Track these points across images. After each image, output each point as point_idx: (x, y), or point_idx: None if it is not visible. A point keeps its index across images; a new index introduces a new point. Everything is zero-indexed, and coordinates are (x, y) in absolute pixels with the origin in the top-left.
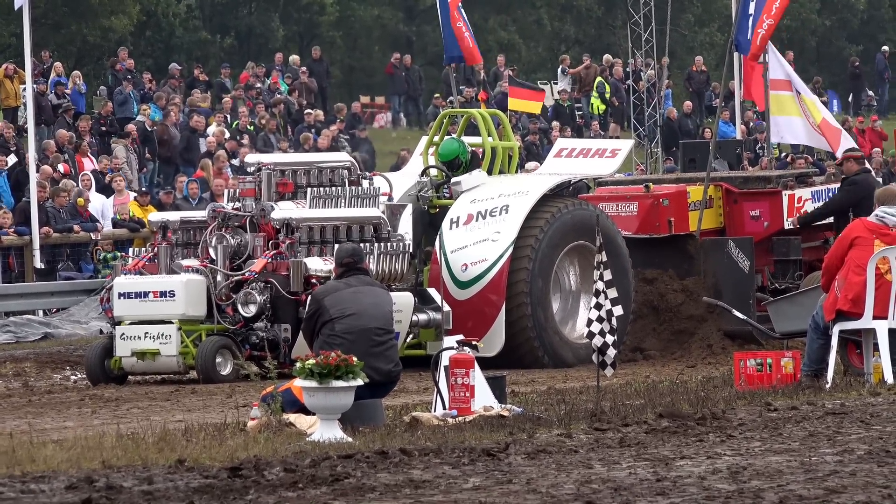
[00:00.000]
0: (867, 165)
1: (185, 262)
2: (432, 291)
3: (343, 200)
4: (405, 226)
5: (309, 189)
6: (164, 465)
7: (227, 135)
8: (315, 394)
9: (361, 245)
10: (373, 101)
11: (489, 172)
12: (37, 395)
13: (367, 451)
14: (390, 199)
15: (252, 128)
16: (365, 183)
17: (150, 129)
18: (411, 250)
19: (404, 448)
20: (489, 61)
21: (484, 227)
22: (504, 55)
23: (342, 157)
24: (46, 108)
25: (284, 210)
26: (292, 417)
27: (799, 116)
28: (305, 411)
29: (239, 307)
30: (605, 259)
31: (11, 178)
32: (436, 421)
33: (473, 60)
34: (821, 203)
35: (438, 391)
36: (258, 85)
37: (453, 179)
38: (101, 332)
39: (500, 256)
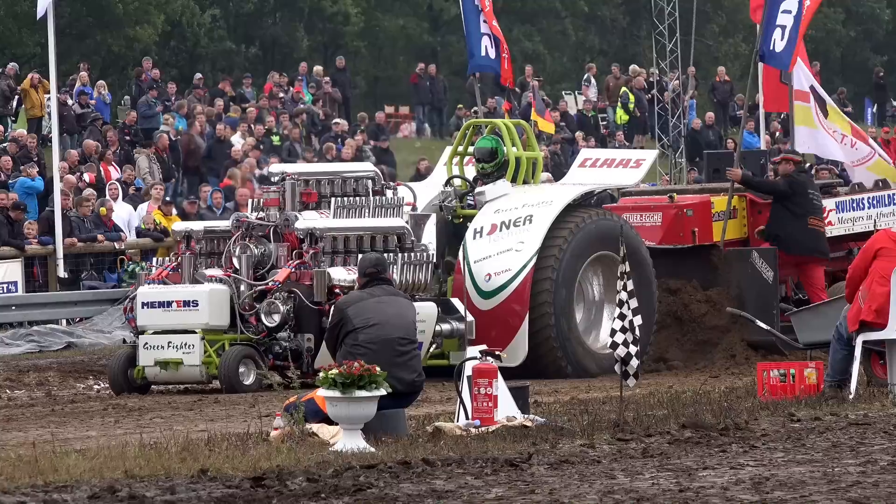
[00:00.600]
0: (804, 167)
1: (209, 272)
2: (456, 301)
3: (367, 210)
4: (429, 236)
5: (333, 199)
6: (187, 475)
7: (252, 144)
8: (338, 404)
9: (385, 255)
10: (397, 111)
11: (513, 182)
12: (60, 404)
13: (389, 461)
14: (414, 209)
15: (277, 138)
16: (389, 193)
17: (174, 139)
18: (435, 260)
19: (427, 458)
20: (515, 71)
21: (508, 238)
22: (530, 66)
23: (366, 166)
24: (69, 117)
25: (308, 220)
26: (315, 427)
27: (816, 128)
28: (328, 421)
29: (262, 317)
30: (628, 269)
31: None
32: (458, 431)
33: (507, 81)
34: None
35: (461, 401)
36: (281, 95)
37: (477, 189)
38: (125, 341)
39: (524, 266)
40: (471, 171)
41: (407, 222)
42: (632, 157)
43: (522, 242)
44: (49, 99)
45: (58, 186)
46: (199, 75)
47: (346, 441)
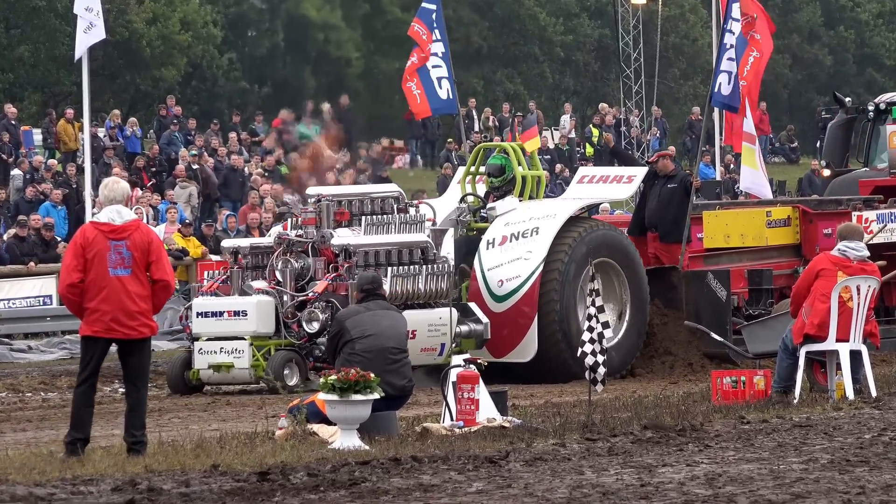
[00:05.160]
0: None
1: (256, 284)
2: (473, 305)
3: (393, 227)
4: (447, 247)
5: (363, 217)
6: (200, 470)
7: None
8: (336, 406)
9: (410, 267)
10: (392, 144)
11: (520, 198)
12: None
13: (382, 458)
14: (434, 223)
15: (284, 168)
16: (412, 210)
17: (194, 168)
18: (453, 270)
19: (415, 455)
20: (497, 109)
21: (517, 248)
22: (510, 103)
23: (391, 187)
24: (98, 148)
25: (342, 237)
26: (316, 427)
27: (757, 170)
28: (327, 422)
29: (303, 324)
30: (597, 287)
31: (71, 213)
32: (444, 431)
33: (420, 115)
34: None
35: (447, 404)
36: (290, 129)
37: (489, 205)
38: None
39: (532, 273)
40: (481, 189)
41: (428, 236)
42: (624, 174)
43: (530, 252)
44: (83, 133)
45: (89, 211)
46: (215, 120)
47: (344, 440)
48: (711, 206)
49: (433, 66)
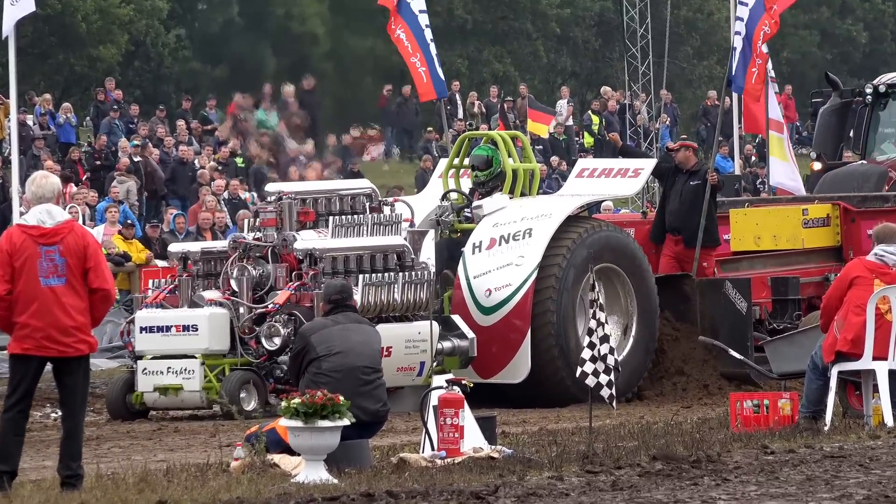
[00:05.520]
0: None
1: (208, 295)
2: (457, 318)
3: (365, 228)
4: (427, 252)
5: (331, 217)
6: None
7: (216, 167)
8: (300, 434)
9: (385, 275)
10: (364, 132)
11: (510, 195)
12: None
13: (352, 493)
14: (412, 224)
15: (241, 160)
16: (386, 209)
17: (136, 161)
18: (434, 277)
19: (391, 490)
20: (484, 93)
21: (507, 252)
22: (499, 87)
23: (363, 183)
24: (27, 138)
25: (307, 240)
26: (276, 458)
27: (787, 161)
28: (290, 452)
29: (262, 340)
30: (597, 298)
31: None
32: (424, 462)
33: (425, 97)
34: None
35: (427, 431)
36: (247, 116)
37: (475, 203)
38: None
39: (525, 281)
40: (466, 185)
41: (406, 239)
42: (630, 167)
43: (522, 257)
44: (9, 121)
45: (17, 210)
46: (161, 106)
47: (309, 472)
48: (740, 204)
49: (430, 41)
